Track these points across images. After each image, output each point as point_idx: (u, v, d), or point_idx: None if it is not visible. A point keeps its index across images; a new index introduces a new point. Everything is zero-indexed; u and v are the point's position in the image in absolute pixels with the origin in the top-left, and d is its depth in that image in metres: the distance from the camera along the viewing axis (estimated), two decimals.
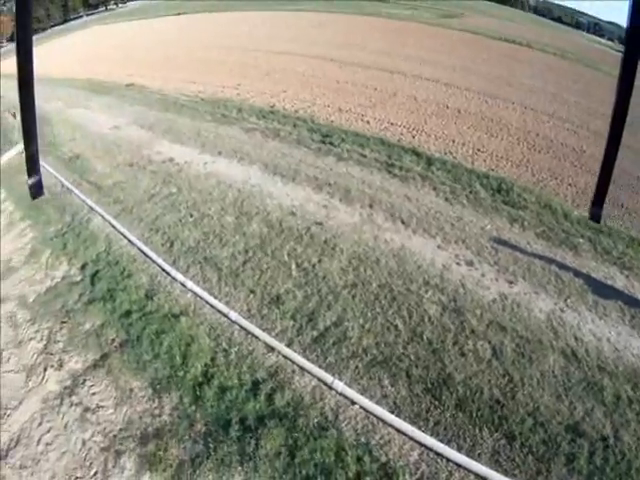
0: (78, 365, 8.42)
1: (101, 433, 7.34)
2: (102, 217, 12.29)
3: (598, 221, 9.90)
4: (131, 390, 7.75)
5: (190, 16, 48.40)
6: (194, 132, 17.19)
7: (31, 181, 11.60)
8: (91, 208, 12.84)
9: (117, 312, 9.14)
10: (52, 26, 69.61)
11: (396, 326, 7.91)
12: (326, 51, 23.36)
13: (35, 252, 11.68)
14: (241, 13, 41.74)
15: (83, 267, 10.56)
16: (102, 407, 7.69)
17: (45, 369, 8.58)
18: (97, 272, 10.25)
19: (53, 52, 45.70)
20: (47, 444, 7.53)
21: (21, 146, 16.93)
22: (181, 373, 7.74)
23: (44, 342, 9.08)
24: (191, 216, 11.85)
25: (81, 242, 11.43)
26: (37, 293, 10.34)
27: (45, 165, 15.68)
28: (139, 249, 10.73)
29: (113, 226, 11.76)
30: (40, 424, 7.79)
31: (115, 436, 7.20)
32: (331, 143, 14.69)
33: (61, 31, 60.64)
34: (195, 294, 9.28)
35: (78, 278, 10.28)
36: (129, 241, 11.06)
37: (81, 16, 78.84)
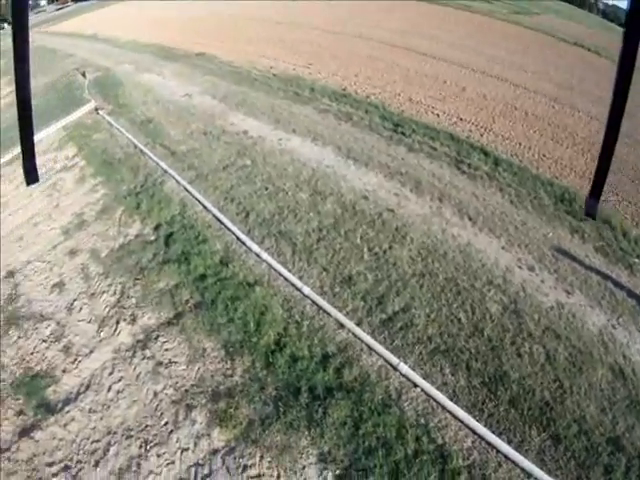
0: (151, 321, 9.23)
1: (173, 387, 8.10)
2: (176, 181, 13.16)
3: (594, 216, 10.02)
4: (204, 350, 8.49)
5: None
6: (267, 107, 17.97)
7: (26, 167, 12.52)
8: (165, 171, 13.77)
9: (192, 275, 9.93)
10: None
11: (459, 319, 8.53)
12: (395, 37, 23.72)
13: (107, 209, 12.76)
14: None
15: (157, 228, 11.47)
16: (175, 363, 8.45)
17: (118, 322, 9.48)
18: (171, 234, 11.12)
19: (115, 15, 48.35)
20: (118, 392, 8.38)
21: (90, 106, 18.43)
22: (254, 339, 8.44)
23: (117, 296, 10.00)
24: (266, 189, 12.56)
25: (155, 203, 12.35)
26: (110, 248, 11.33)
27: (118, 126, 16.89)
28: (214, 216, 11.55)
29: (188, 191, 12.63)
30: (111, 373, 8.65)
31: (187, 391, 7.96)
32: (402, 133, 15.16)
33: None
34: (270, 266, 9.98)
35: (152, 238, 11.19)
36: (204, 207, 11.89)
37: None
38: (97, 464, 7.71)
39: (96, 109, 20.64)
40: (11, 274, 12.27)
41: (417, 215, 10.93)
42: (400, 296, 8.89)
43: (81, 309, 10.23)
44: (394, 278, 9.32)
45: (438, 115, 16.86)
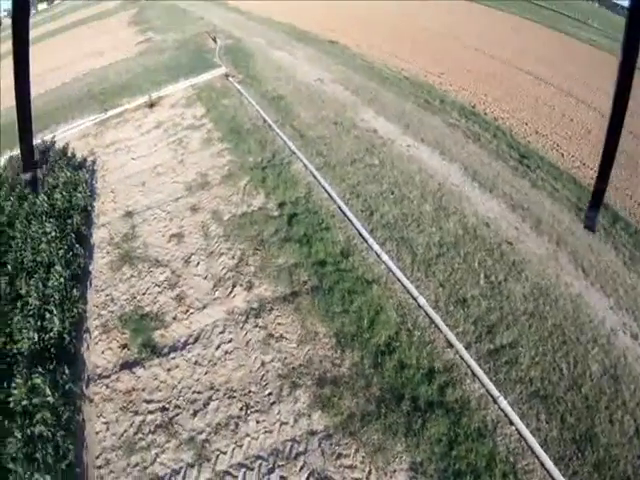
0: (267, 293, 10.13)
1: (281, 361, 8.90)
2: (304, 165, 14.12)
3: (593, 229, 10.14)
4: (316, 333, 9.27)
5: None
6: (398, 110, 18.73)
7: (26, 177, 13.63)
8: (293, 152, 14.74)
9: (312, 258, 10.79)
10: None
11: (561, 369, 8.92)
12: (517, 58, 24.06)
13: (232, 175, 13.93)
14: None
15: (281, 205, 12.43)
16: (285, 339, 9.26)
17: (234, 285, 10.44)
18: (295, 214, 12.06)
19: None
20: (226, 352, 9.26)
21: (220, 70, 19.93)
22: (366, 336, 9.15)
23: (235, 261, 11.01)
24: (392, 193, 13.26)
25: (281, 181, 13.36)
26: (232, 214, 12.43)
27: (248, 97, 18.19)
28: (339, 207, 12.38)
29: (315, 177, 13.55)
30: (222, 332, 9.59)
31: (294, 369, 8.73)
32: (527, 166, 15.48)
33: None
34: (389, 268, 10.65)
35: (275, 213, 12.16)
36: (329, 196, 12.75)
37: None
38: (195, 414, 8.62)
39: (226, 75, 22.22)
40: (130, 215, 13.67)
41: (534, 254, 11.32)
42: (509, 330, 9.36)
43: (198, 264, 11.29)
44: (506, 311, 9.79)
45: (563, 155, 16.91)
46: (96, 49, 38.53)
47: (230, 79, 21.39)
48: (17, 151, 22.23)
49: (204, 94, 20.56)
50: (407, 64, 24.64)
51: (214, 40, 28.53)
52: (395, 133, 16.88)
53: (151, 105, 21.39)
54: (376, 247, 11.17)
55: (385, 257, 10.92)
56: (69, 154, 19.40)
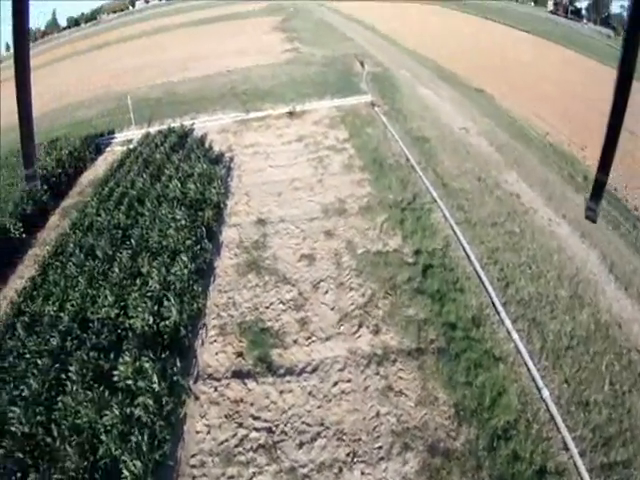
0: (393, 342, 10.18)
1: (397, 417, 8.88)
2: (444, 216, 14.03)
3: (594, 220, 10.81)
4: (436, 398, 9.18)
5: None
6: (542, 179, 18.37)
7: (28, 172, 13.95)
8: (434, 200, 14.67)
9: (442, 318, 10.74)
10: None
11: None
12: None
13: (371, 209, 14.28)
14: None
15: (417, 252, 12.52)
16: (405, 395, 9.24)
17: (360, 325, 10.60)
18: (431, 266, 12.06)
19: (396, 12, 51.81)
20: (342, 392, 9.58)
21: (366, 97, 20.32)
22: (486, 415, 8.96)
23: (365, 300, 11.14)
24: (529, 268, 12.93)
25: (420, 227, 13.45)
26: (366, 249, 12.81)
27: (392, 131, 18.43)
28: (475, 270, 12.13)
29: (454, 231, 13.44)
30: (341, 370, 9.93)
31: (408, 429, 8.68)
32: None
33: None
34: (517, 349, 10.31)
35: (410, 260, 12.22)
36: (467, 256, 12.53)
37: None
38: (301, 446, 8.69)
39: (372, 104, 22.72)
40: (262, 222, 14.19)
41: None
42: (625, 447, 8.74)
43: (327, 292, 11.49)
44: (625, 426, 9.18)
45: None
46: (239, 48, 40.57)
47: (376, 108, 21.84)
48: (153, 128, 23.69)
49: (349, 118, 21.09)
50: (552, 128, 24.10)
51: (361, 65, 29.23)
52: (537, 203, 16.52)
53: (294, 116, 22.11)
54: (508, 323, 10.87)
55: (515, 336, 10.60)
56: (207, 145, 20.35)
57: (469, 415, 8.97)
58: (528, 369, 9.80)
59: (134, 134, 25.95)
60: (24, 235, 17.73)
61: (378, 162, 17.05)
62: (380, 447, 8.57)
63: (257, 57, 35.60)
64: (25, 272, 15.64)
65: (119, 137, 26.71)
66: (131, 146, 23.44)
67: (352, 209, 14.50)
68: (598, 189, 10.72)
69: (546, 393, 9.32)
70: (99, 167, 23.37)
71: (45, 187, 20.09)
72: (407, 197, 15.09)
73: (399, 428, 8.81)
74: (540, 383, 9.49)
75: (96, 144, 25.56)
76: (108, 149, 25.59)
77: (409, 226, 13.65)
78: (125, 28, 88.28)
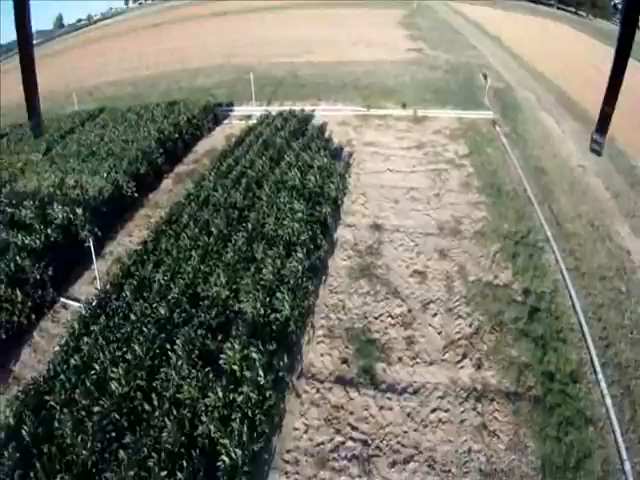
0: (493, 381, 10.18)
1: (486, 457, 9.00)
2: (555, 259, 13.53)
3: (599, 153, 11.59)
4: (525, 447, 9.07)
5: None
6: None
7: (32, 122, 15.97)
8: (547, 240, 14.09)
9: (542, 366, 10.64)
10: None
11: None
12: None
13: (485, 235, 14.36)
14: None
15: (526, 292, 12.18)
16: (497, 437, 9.32)
17: (464, 356, 10.55)
18: (537, 310, 11.75)
19: (523, 26, 49.71)
20: (439, 420, 9.59)
21: (487, 113, 19.62)
22: (569, 475, 8.62)
23: (472, 331, 11.04)
24: (631, 332, 12.26)
25: (531, 266, 13.14)
26: (477, 277, 12.83)
27: (512, 156, 17.84)
28: (579, 323, 11.73)
29: (563, 277, 12.95)
30: (441, 398, 9.94)
31: (496, 471, 8.73)
32: None
33: None
34: (608, 416, 9.88)
35: (519, 298, 11.94)
36: (572, 306, 12.10)
37: None
38: (393, 465, 8.76)
39: (493, 122, 22.07)
40: (378, 228, 14.29)
41: None
42: None
43: (435, 315, 11.42)
44: None
45: None
46: (363, 38, 40.03)
47: (497, 128, 21.21)
48: (273, 107, 23.85)
49: (469, 133, 20.64)
50: None
51: (484, 77, 28.40)
52: None
53: (416, 121, 21.77)
54: (603, 386, 10.34)
55: (609, 401, 10.05)
56: (326, 135, 20.32)
57: (554, 471, 8.70)
58: (615, 438, 9.32)
59: (253, 110, 26.19)
60: (136, 194, 18.36)
61: (496, 186, 16.61)
62: None
63: (381, 51, 35.19)
64: (134, 231, 16.49)
65: (238, 110, 27.23)
66: (250, 122, 23.66)
67: (467, 232, 14.27)
68: (603, 122, 10.39)
69: (627, 467, 8.87)
70: (216, 138, 23.96)
71: (161, 150, 20.56)
72: (521, 230, 14.64)
73: (488, 468, 8.70)
74: (624, 455, 9.02)
75: (214, 114, 25.86)
76: (226, 121, 26.15)
77: (521, 262, 13.28)
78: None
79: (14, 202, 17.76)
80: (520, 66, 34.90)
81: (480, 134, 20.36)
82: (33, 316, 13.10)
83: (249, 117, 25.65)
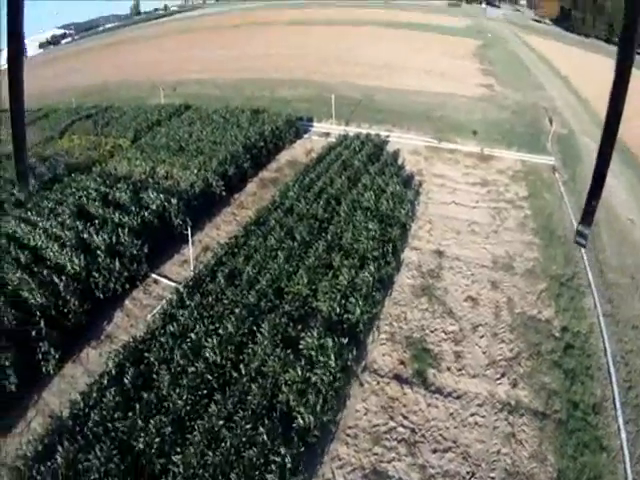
0: (525, 400, 11.66)
1: (511, 460, 10.41)
2: (594, 304, 14.84)
3: (583, 245, 11.53)
4: (545, 458, 10.40)
5: None
6: None
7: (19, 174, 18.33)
8: (589, 285, 15.48)
9: (568, 394, 11.90)
10: None
11: None
12: None
13: (534, 274, 15.71)
14: None
15: (564, 329, 13.69)
16: (522, 445, 10.70)
17: (502, 375, 12.18)
18: (572, 347, 13.22)
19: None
20: (476, 424, 11.15)
21: (548, 159, 20.61)
22: None
23: (512, 355, 12.66)
24: None
25: (572, 307, 14.57)
26: (522, 310, 14.21)
27: (568, 204, 19.21)
28: (607, 365, 12.96)
29: (599, 322, 14.31)
30: (479, 406, 11.45)
31: (517, 473, 10.13)
32: None
33: None
34: (621, 447, 10.92)
35: (557, 334, 13.49)
36: (604, 349, 13.43)
37: None
38: (434, 452, 10.51)
39: (553, 169, 23.22)
40: (440, 254, 15.96)
41: None
42: None
43: (482, 337, 13.02)
44: None
45: None
46: (437, 68, 41.07)
47: (556, 175, 22.26)
48: (351, 129, 25.46)
49: (530, 177, 21.87)
50: None
51: (550, 122, 29.16)
52: None
53: (482, 159, 23.22)
54: (620, 422, 11.47)
55: (623, 436, 11.17)
56: (399, 163, 22.06)
57: None
58: (625, 468, 10.48)
59: (332, 128, 27.92)
60: (223, 193, 20.12)
61: (549, 230, 17.86)
62: (493, 478, 10.00)
63: (453, 85, 36.20)
64: (221, 225, 18.43)
65: (317, 127, 28.79)
66: (329, 140, 25.45)
67: (519, 268, 15.65)
68: (588, 215, 11.25)
69: None
70: (296, 151, 25.65)
71: (247, 155, 22.29)
72: (567, 273, 15.89)
73: (512, 469, 10.12)
74: None
75: (296, 127, 27.44)
76: (306, 135, 27.73)
77: (563, 302, 14.56)
78: (318, 10, 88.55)
79: (107, 182, 20.00)
80: (585, 110, 35.36)
81: (540, 179, 21.52)
82: (127, 285, 15.05)
83: (328, 134, 27.43)
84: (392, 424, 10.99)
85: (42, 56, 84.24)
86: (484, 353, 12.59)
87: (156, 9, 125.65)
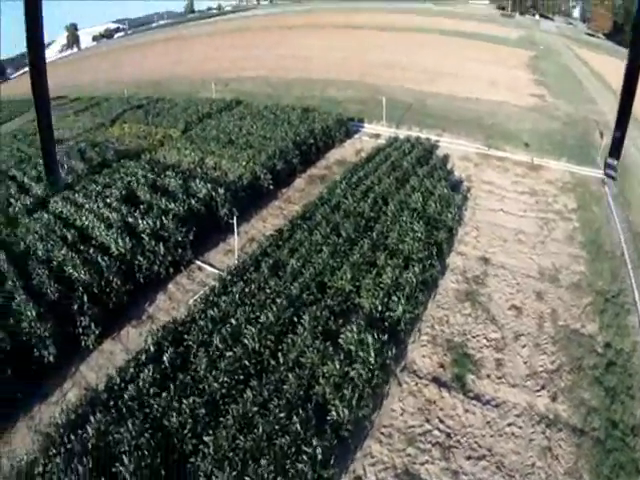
0: (564, 415, 11.36)
1: (545, 474, 10.17)
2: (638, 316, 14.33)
3: (613, 177, 10.62)
4: (581, 476, 10.08)
5: None
6: None
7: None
8: (635, 302, 14.96)
9: (609, 413, 11.48)
10: None
11: None
12: None
13: (580, 288, 15.23)
14: None
15: (607, 346, 13.32)
16: (558, 461, 10.39)
17: (543, 387, 11.95)
18: (614, 364, 12.75)
19: None
20: (512, 434, 10.99)
21: (598, 172, 20.13)
22: None
23: (553, 368, 12.47)
24: None
25: (616, 324, 14.15)
26: (566, 323, 13.86)
27: (616, 218, 18.57)
28: None
29: None
30: (517, 416, 11.33)
31: None
32: None
33: None
34: None
35: (599, 350, 13.14)
36: None
37: None
38: (469, 458, 10.39)
39: (603, 182, 22.50)
40: (486, 261, 15.79)
41: None
42: None
43: (524, 347, 12.84)
44: None
45: None
46: (489, 76, 40.56)
47: (606, 188, 21.66)
48: (401, 131, 25.32)
49: (579, 189, 21.31)
50: None
51: (601, 135, 28.34)
52: None
53: (531, 168, 22.78)
54: None
55: None
56: (448, 167, 21.83)
57: None
58: None
59: (382, 130, 27.95)
60: (271, 187, 20.35)
61: (597, 244, 17.36)
62: None
63: (505, 93, 35.62)
64: (268, 218, 18.69)
65: (367, 128, 28.90)
66: (379, 141, 25.42)
67: (564, 281, 15.28)
68: (616, 146, 10.96)
69: None
70: (346, 150, 25.79)
71: (296, 152, 22.49)
72: (613, 289, 15.41)
73: None
74: None
75: (347, 127, 27.55)
76: (356, 136, 27.86)
77: (607, 318, 14.16)
78: (374, 14, 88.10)
79: (156, 170, 20.42)
80: (636, 126, 34.31)
81: (589, 191, 20.95)
82: (171, 270, 15.44)
83: (378, 136, 27.43)
84: (428, 427, 10.92)
85: (95, 48, 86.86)
86: (525, 363, 12.38)
87: (209, 8, 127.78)
